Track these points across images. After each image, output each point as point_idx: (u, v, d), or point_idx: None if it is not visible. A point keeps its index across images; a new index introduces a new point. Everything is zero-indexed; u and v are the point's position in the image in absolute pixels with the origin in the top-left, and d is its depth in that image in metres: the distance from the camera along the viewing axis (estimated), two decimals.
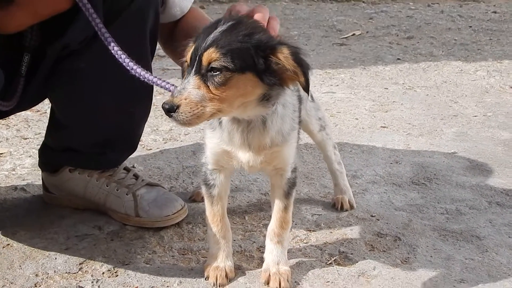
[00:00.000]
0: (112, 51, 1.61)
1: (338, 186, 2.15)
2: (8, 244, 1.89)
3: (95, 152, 2.01)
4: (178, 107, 1.36)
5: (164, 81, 1.61)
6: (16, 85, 1.82)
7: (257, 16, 1.51)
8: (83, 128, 1.96)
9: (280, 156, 1.63)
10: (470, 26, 4.64)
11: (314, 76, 3.47)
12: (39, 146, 2.17)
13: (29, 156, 2.48)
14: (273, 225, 1.73)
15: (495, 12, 5.11)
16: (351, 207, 2.14)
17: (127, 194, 2.00)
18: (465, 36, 4.35)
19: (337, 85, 3.36)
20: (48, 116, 2.09)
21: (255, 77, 1.40)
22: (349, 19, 4.77)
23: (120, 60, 1.60)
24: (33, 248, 1.86)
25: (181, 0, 1.91)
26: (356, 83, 3.41)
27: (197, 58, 1.39)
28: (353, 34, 4.35)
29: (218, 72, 1.38)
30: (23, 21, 1.71)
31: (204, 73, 1.39)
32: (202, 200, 2.12)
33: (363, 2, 5.36)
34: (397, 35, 4.36)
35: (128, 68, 1.60)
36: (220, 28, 1.41)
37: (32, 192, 2.22)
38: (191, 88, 1.38)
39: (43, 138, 2.12)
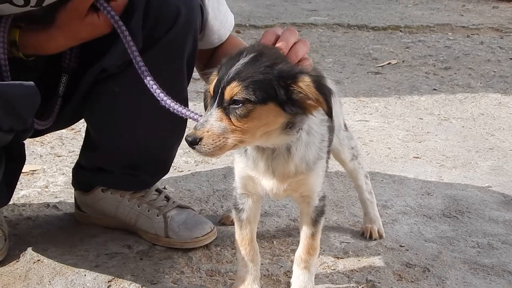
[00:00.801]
0: (145, 81, 1.67)
1: (368, 216, 2.19)
2: (39, 260, 1.96)
3: (128, 173, 2.08)
4: (200, 139, 1.41)
5: (192, 112, 1.64)
6: (53, 105, 1.90)
7: (280, 44, 1.55)
8: (117, 150, 2.03)
9: (305, 184, 1.67)
10: (511, 58, 4.63)
11: (348, 104, 3.54)
12: (72, 164, 2.25)
13: (62, 174, 2.56)
14: (300, 251, 1.77)
15: None
16: (380, 236, 2.18)
17: (157, 216, 2.07)
18: (505, 68, 4.35)
19: (371, 114, 3.41)
20: (83, 135, 2.17)
21: (277, 107, 1.44)
22: (385, 48, 4.81)
23: (152, 90, 1.66)
24: (63, 265, 1.93)
25: (220, 28, 1.97)
26: (390, 112, 3.45)
27: (219, 91, 1.43)
28: (389, 63, 4.39)
29: (240, 105, 1.42)
30: (62, 43, 1.79)
31: (226, 106, 1.43)
32: (232, 223, 2.18)
33: (400, 31, 5.39)
34: (434, 65, 4.38)
35: (160, 100, 1.65)
36: (242, 61, 1.45)
37: (64, 210, 2.30)
38: (213, 121, 1.42)
39: (77, 157, 2.20)
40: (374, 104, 3.56)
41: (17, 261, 1.96)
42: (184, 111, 1.65)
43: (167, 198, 2.14)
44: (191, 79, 1.98)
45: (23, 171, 2.05)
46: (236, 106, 1.42)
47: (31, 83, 1.65)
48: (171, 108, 1.65)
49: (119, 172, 2.08)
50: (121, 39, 1.72)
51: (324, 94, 1.43)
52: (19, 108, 1.65)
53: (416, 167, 2.79)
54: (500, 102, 3.68)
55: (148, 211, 2.08)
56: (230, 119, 1.43)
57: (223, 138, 1.43)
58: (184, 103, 1.88)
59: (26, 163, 2.01)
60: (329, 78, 1.90)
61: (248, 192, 1.73)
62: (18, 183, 2.04)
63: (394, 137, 3.12)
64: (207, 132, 1.42)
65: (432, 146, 3.03)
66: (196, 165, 2.73)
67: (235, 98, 1.41)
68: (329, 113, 1.45)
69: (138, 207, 2.09)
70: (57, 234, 2.14)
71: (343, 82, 3.94)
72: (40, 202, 2.35)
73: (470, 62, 4.52)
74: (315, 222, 1.75)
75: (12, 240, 2.04)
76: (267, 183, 1.64)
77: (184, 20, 1.81)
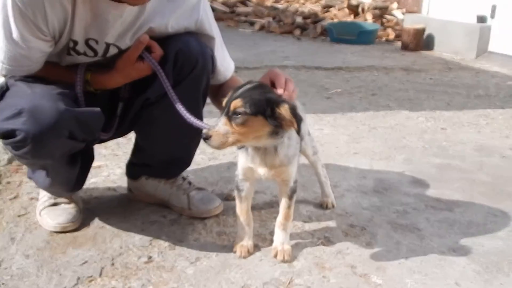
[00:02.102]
0: (176, 106, 1.67)
1: (324, 192, 2.13)
2: (103, 226, 1.90)
3: (163, 167, 2.02)
4: (211, 136, 1.41)
5: (207, 124, 1.63)
6: (113, 122, 1.87)
7: (277, 84, 1.57)
8: (156, 152, 1.98)
9: (286, 172, 1.63)
10: (414, 88, 4.58)
11: (310, 119, 3.44)
12: (125, 161, 2.18)
13: (119, 168, 2.47)
14: (280, 217, 1.74)
15: (430, 79, 5.04)
16: (333, 206, 2.12)
17: (183, 195, 2.01)
18: (411, 95, 4.29)
19: (325, 125, 3.33)
20: (133, 141, 2.09)
21: (264, 119, 1.43)
22: (333, 81, 4.73)
23: (181, 112, 1.66)
24: (119, 229, 1.88)
25: (224, 71, 1.93)
26: (337, 124, 3.38)
27: (227, 105, 1.43)
28: (336, 91, 4.31)
29: (239, 115, 1.41)
30: (119, 81, 1.76)
31: (231, 115, 1.42)
32: (233, 199, 2.10)
33: (343, 70, 5.32)
34: (365, 93, 4.31)
35: (186, 118, 1.65)
36: (247, 86, 1.45)
37: (120, 192, 2.22)
38: (220, 125, 1.43)
39: (129, 156, 2.13)
40: (327, 118, 3.49)
41: (88, 227, 1.89)
42: (201, 124, 1.64)
43: (190, 183, 2.08)
44: (205, 104, 1.91)
45: (93, 165, 1.98)
46: (237, 116, 1.42)
47: (98, 109, 1.64)
48: (193, 123, 1.65)
49: (157, 166, 2.02)
50: (159, 78, 1.71)
51: (296, 119, 1.42)
52: (90, 125, 1.63)
53: (355, 160, 2.72)
54: (408, 117, 3.62)
55: (177, 191, 2.03)
56: (232, 125, 1.42)
57: (226, 137, 1.42)
58: (200, 118, 1.84)
59: (94, 160, 1.96)
60: (299, 102, 1.85)
61: (247, 177, 1.68)
62: (89, 174, 1.95)
63: (341, 140, 3.05)
64: (216, 131, 1.42)
65: (365, 145, 2.96)
66: (209, 160, 2.65)
67: (237, 110, 1.41)
68: (298, 131, 1.46)
69: (170, 189, 2.03)
70: (115, 208, 2.06)
71: (306, 104, 3.85)
72: (104, 186, 2.27)
73: (389, 91, 4.44)
74: (290, 197, 1.71)
75: (85, 213, 1.96)
76: (261, 171, 1.61)
77: (201, 66, 1.79)
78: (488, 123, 3.49)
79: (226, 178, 2.38)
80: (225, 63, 1.93)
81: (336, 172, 2.51)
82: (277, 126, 1.45)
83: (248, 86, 1.45)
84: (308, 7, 9.43)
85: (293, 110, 1.42)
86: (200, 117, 1.86)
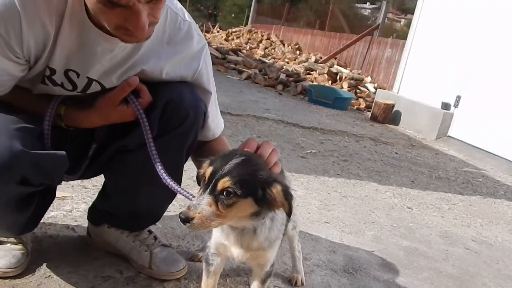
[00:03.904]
0: (155, 165, 1.34)
1: (295, 268, 1.82)
2: (50, 276, 1.53)
3: (129, 219, 1.67)
4: (192, 219, 1.08)
5: (186, 191, 1.31)
6: (82, 164, 1.51)
7: (261, 151, 1.23)
8: (124, 204, 1.63)
9: (264, 256, 1.31)
10: (382, 160, 4.39)
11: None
12: (93, 196, 1.83)
13: (84, 203, 2.11)
14: None
15: (396, 153, 4.89)
16: (302, 284, 1.81)
17: (145, 251, 1.66)
18: (379, 166, 4.09)
19: (298, 186, 3.06)
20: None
21: (253, 201, 1.12)
22: (309, 141, 4.52)
23: (159, 172, 1.33)
24: (66, 283, 1.51)
25: (215, 128, 1.61)
26: (310, 186, 3.11)
27: (213, 181, 1.10)
28: (311, 152, 4.08)
29: (228, 196, 1.09)
30: (96, 121, 1.42)
31: (217, 195, 1.09)
32: (199, 260, 1.80)
33: (318, 131, 5.14)
34: (337, 157, 4.09)
35: (163, 179, 1.32)
36: (234, 161, 1.12)
37: (79, 233, 1.85)
38: (204, 205, 1.09)
39: (98, 190, 1.76)
40: (301, 179, 3.22)
41: (33, 275, 1.51)
42: (180, 190, 1.31)
43: (155, 237, 1.73)
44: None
45: (56, 196, 1.61)
46: (224, 196, 1.09)
47: (63, 153, 1.29)
48: (170, 186, 1.32)
49: (123, 217, 1.67)
50: (140, 127, 1.38)
51: (288, 201, 1.12)
52: (50, 171, 1.29)
53: (326, 229, 2.44)
54: (376, 189, 3.39)
55: (139, 247, 1.67)
56: (217, 206, 1.09)
57: (209, 220, 1.09)
58: (179, 177, 1.56)
59: (60, 190, 1.56)
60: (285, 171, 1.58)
61: (218, 253, 1.36)
62: (51, 205, 1.59)
63: (313, 205, 2.77)
64: (199, 213, 1.08)
65: (336, 215, 2.68)
66: (180, 208, 2.31)
67: (226, 190, 1.09)
68: (289, 214, 1.15)
69: (133, 242, 1.68)
70: (70, 253, 1.68)
71: (283, 161, 3.57)
72: (63, 223, 1.89)
73: (359, 159, 4.24)
74: (263, 282, 1.39)
75: (34, 254, 1.58)
76: (235, 251, 1.28)
77: (191, 120, 1.46)
78: (450, 208, 3.29)
79: (194, 232, 2.05)
80: (216, 120, 1.63)
81: (307, 242, 2.21)
82: (265, 208, 1.15)
83: (236, 160, 1.12)
84: (292, 67, 9.39)
85: (286, 191, 1.13)
86: (179, 174, 1.56)
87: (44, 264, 1.56)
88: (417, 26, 7.36)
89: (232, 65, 9.34)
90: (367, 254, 2.23)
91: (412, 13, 7.96)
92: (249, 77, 8.41)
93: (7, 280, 1.44)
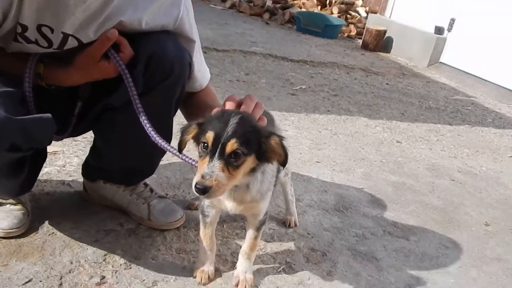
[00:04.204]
0: (140, 119, 1.35)
1: (289, 210, 1.95)
2: (53, 233, 1.62)
3: (123, 174, 1.73)
4: (211, 187, 1.11)
5: (173, 148, 1.34)
6: (69, 123, 1.53)
7: (244, 108, 1.25)
8: (116, 160, 1.68)
9: (257, 207, 1.41)
10: (373, 92, 4.43)
11: (276, 117, 3.23)
12: (84, 148, 1.90)
13: (77, 156, 2.16)
14: (245, 246, 1.53)
15: (387, 84, 4.92)
16: (295, 225, 1.94)
17: (143, 204, 1.75)
18: (369, 99, 4.15)
19: (289, 125, 3.12)
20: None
21: (255, 157, 1.18)
22: (299, 76, 4.51)
23: (146, 129, 1.35)
24: (71, 238, 1.60)
25: (201, 78, 1.62)
26: (301, 125, 3.18)
27: (219, 146, 1.13)
28: (301, 88, 4.09)
29: (237, 158, 1.14)
30: (77, 79, 1.42)
31: (226, 158, 1.13)
32: (196, 208, 1.91)
33: (307, 64, 5.09)
34: (328, 92, 4.12)
35: (151, 136, 1.34)
36: (233, 120, 1.15)
37: (75, 188, 1.92)
38: (218, 171, 1.12)
39: (89, 142, 1.81)
40: (291, 118, 3.28)
41: (36, 233, 1.60)
42: (168, 147, 1.35)
43: (151, 190, 1.81)
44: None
45: (47, 151, 1.65)
46: (234, 158, 1.14)
47: (49, 115, 1.29)
48: (159, 144, 1.35)
49: (117, 173, 1.73)
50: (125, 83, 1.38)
51: (285, 151, 1.19)
52: (38, 136, 1.31)
53: (317, 169, 2.55)
54: (367, 124, 3.47)
55: (137, 200, 1.76)
56: (228, 169, 1.14)
57: (224, 185, 1.14)
58: (170, 132, 1.60)
59: (51, 145, 1.53)
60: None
61: (213, 205, 1.44)
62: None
63: (304, 145, 2.86)
64: (215, 181, 1.12)
65: (327, 153, 2.79)
66: (172, 156, 2.37)
67: (235, 151, 1.13)
68: (284, 164, 1.23)
69: (130, 196, 1.76)
70: (69, 209, 1.77)
71: (273, 99, 3.62)
72: (58, 179, 1.96)
73: (349, 92, 4.28)
74: (258, 229, 1.50)
75: (34, 212, 1.66)
76: (228, 204, 1.36)
77: (176, 74, 1.46)
78: (438, 140, 3.42)
79: (189, 181, 2.13)
80: (202, 69, 1.63)
81: (299, 183, 2.33)
82: (263, 161, 1.22)
83: (234, 120, 1.15)
84: None
85: (282, 142, 1.20)
86: (169, 128, 1.59)
87: (46, 222, 1.65)
88: None
89: None
90: (357, 192, 2.36)
91: None
92: (233, 5, 8.11)
93: (12, 240, 1.53)
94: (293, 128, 3.09)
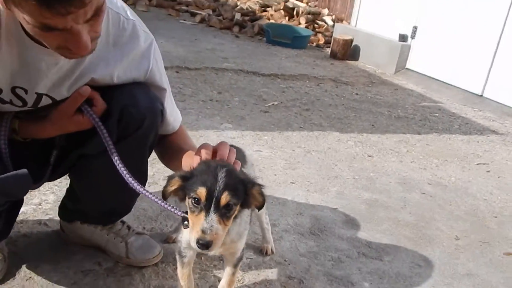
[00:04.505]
0: (118, 167, 1.37)
1: (265, 238, 1.98)
2: (31, 277, 1.61)
3: (100, 216, 1.75)
4: (211, 242, 1.16)
5: (152, 194, 1.36)
6: (45, 171, 1.54)
7: (221, 153, 1.30)
8: (93, 203, 1.69)
9: (235, 247, 1.45)
10: (343, 104, 4.51)
11: (249, 137, 3.27)
12: (61, 184, 1.89)
13: (53, 193, 2.14)
14: (223, 282, 1.57)
15: (357, 94, 5.02)
16: (272, 252, 1.97)
17: (121, 242, 1.76)
18: (340, 112, 4.22)
19: (263, 145, 3.16)
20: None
21: (240, 206, 1.25)
22: (270, 91, 4.56)
23: (125, 178, 1.37)
24: (49, 282, 1.60)
25: (173, 122, 1.65)
26: (275, 144, 3.22)
27: (213, 200, 1.18)
28: (273, 104, 4.13)
29: (229, 209, 1.21)
30: (53, 133, 1.45)
31: (221, 210, 1.19)
32: (174, 241, 1.92)
33: (278, 78, 5.14)
34: (300, 107, 4.18)
35: (129, 183, 1.36)
36: (221, 174, 1.20)
37: (52, 227, 1.91)
38: (216, 225, 1.17)
39: (66, 178, 1.77)
40: (265, 137, 3.31)
41: (14, 279, 1.59)
42: (144, 191, 1.36)
43: (128, 227, 1.82)
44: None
45: None
46: (228, 210, 1.20)
47: (24, 171, 1.30)
48: (137, 190, 1.37)
49: (94, 214, 1.74)
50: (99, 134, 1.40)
51: (264, 199, 1.29)
52: (14, 192, 1.34)
53: (292, 191, 2.59)
54: (339, 139, 3.54)
55: (114, 239, 1.77)
56: (223, 221, 1.20)
57: (222, 236, 1.21)
58: (145, 174, 1.65)
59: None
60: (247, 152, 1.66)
61: (191, 247, 1.45)
62: None
63: (278, 165, 2.90)
64: (215, 235, 1.17)
65: (301, 173, 2.83)
66: (149, 186, 2.37)
67: (228, 204, 1.19)
68: (260, 208, 1.33)
69: (107, 235, 1.77)
70: (46, 251, 1.76)
71: (246, 118, 3.65)
72: (34, 219, 1.94)
73: (320, 106, 4.35)
74: (235, 266, 1.53)
75: (11, 257, 1.65)
76: None
77: (148, 122, 1.50)
78: (408, 151, 3.52)
79: (166, 212, 2.14)
80: (174, 113, 1.67)
81: (275, 207, 2.36)
82: (245, 208, 1.29)
83: (223, 174, 1.20)
84: (247, 4, 9.11)
85: (262, 191, 1.28)
86: (143, 171, 1.62)
87: (24, 266, 1.63)
88: None
89: (184, 7, 8.96)
90: (331, 212, 2.41)
91: None
92: (203, 19, 8.13)
93: None
94: (267, 148, 3.13)
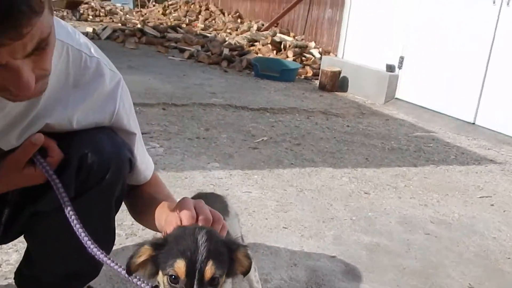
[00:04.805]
0: (74, 228, 1.10)
1: None
2: None
3: (61, 282, 1.43)
4: None
5: (113, 261, 1.08)
6: None
7: (200, 212, 1.06)
8: (52, 269, 1.39)
9: None
10: (335, 137, 4.29)
11: (237, 176, 3.01)
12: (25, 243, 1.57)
13: (16, 251, 1.85)
14: None
15: (348, 126, 4.82)
16: None
17: None
18: (332, 146, 3.99)
19: (252, 185, 2.90)
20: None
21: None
22: (259, 126, 4.33)
23: (77, 233, 1.10)
24: None
25: (145, 170, 1.38)
26: (265, 184, 2.96)
27: (196, 274, 0.92)
28: (262, 139, 3.90)
29: (215, 281, 0.95)
30: (4, 188, 1.19)
31: (206, 284, 0.93)
32: None
33: (267, 112, 4.95)
34: (290, 142, 3.95)
35: (88, 248, 1.09)
36: (201, 240, 0.94)
37: None
38: None
39: (20, 262, 1.51)
40: (254, 176, 3.05)
41: None
42: (105, 259, 1.08)
43: None
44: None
45: None
46: (214, 283, 0.94)
47: None
48: (98, 258, 1.09)
49: (54, 280, 1.42)
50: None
51: (250, 262, 1.03)
52: None
53: (285, 237, 2.31)
54: (332, 175, 3.29)
55: None
56: None
57: None
58: (111, 234, 1.37)
59: None
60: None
61: None
62: None
63: (269, 207, 2.63)
64: None
65: (294, 216, 2.56)
66: (126, 238, 2.10)
67: (214, 276, 0.93)
68: (246, 274, 1.06)
69: None
70: None
71: (234, 156, 3.40)
72: None
73: (311, 140, 4.12)
74: None
75: None
76: None
77: (114, 173, 1.23)
78: (406, 186, 3.27)
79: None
80: (146, 160, 1.40)
81: (266, 258, 2.08)
82: (230, 275, 1.02)
83: (202, 239, 0.94)
84: (235, 39, 9.05)
85: (248, 254, 1.02)
86: (110, 228, 1.35)
87: None
88: None
89: (173, 44, 8.87)
90: (329, 262, 2.13)
91: None
92: (191, 55, 8.01)
93: None
94: (257, 188, 2.87)
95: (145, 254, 0.99)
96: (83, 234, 1.11)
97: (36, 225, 1.29)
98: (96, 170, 1.20)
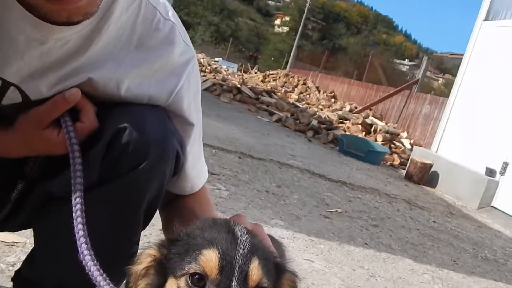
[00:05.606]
0: (76, 236, 0.81)
1: None
2: None
3: None
4: None
5: (105, 278, 0.75)
6: (2, 209, 1.00)
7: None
8: (51, 274, 1.06)
9: None
10: (418, 229, 3.70)
11: (301, 241, 2.59)
12: None
13: (25, 253, 1.60)
14: None
15: (434, 221, 4.19)
16: None
17: None
18: (414, 237, 3.41)
19: (317, 255, 2.45)
20: None
21: None
22: (335, 197, 3.91)
23: (77, 235, 0.80)
24: None
25: (195, 178, 1.05)
26: (332, 257, 2.49)
27: (236, 269, 0.60)
28: (336, 211, 3.46)
29: None
30: (13, 149, 0.91)
31: None
32: None
33: (346, 186, 4.51)
34: (367, 221, 3.45)
35: (87, 269, 0.78)
36: (242, 233, 0.66)
37: None
38: None
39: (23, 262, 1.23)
40: (321, 246, 2.61)
41: None
42: (97, 275, 0.76)
43: None
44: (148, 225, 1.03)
45: (7, 242, 1.24)
46: None
47: None
48: (94, 280, 0.77)
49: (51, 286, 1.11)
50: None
51: None
52: None
53: None
54: (412, 269, 2.71)
55: None
56: None
57: None
58: (129, 247, 0.95)
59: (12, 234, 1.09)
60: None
61: None
62: None
63: (332, 284, 2.15)
64: None
65: None
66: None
67: (263, 283, 0.62)
68: None
69: None
70: None
71: (302, 218, 3.00)
72: (8, 275, 1.38)
73: (391, 225, 3.58)
74: None
75: None
76: None
77: (151, 164, 0.90)
78: None
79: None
80: (199, 166, 1.08)
81: None
82: None
83: (243, 231, 0.66)
84: (326, 114, 8.90)
85: (296, 283, 0.72)
86: (133, 243, 0.99)
87: None
88: (461, 84, 6.76)
89: (264, 106, 8.95)
90: None
91: (450, 73, 7.43)
92: (279, 119, 7.96)
93: None
94: (321, 259, 2.41)
95: (149, 258, 0.68)
96: (81, 233, 0.81)
97: (45, 213, 1.00)
98: (130, 153, 0.89)
